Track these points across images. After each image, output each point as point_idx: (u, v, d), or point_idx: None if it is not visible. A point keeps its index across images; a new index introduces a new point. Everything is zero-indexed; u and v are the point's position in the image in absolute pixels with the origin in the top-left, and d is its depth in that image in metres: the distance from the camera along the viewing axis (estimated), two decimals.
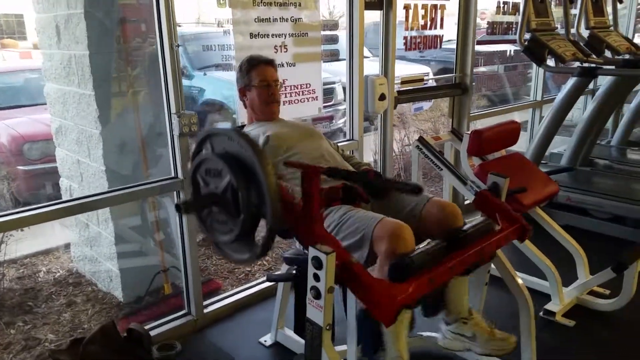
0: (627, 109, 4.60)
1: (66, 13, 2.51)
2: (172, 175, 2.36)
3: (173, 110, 2.24)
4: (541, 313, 2.52)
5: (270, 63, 2.16)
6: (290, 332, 2.31)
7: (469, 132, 2.69)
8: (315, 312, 1.39)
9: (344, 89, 5.64)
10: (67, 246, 3.28)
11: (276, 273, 2.03)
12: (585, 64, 3.39)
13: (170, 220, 2.85)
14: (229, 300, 2.64)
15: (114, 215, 2.64)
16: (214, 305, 2.60)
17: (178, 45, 2.17)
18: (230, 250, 1.50)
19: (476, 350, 1.97)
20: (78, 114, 2.63)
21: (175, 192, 2.38)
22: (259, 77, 2.12)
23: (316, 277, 1.36)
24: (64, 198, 2.96)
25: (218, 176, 1.43)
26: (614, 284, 2.51)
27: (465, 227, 1.69)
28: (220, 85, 5.17)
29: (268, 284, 2.76)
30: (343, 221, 1.74)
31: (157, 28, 2.16)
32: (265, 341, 2.35)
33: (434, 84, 4.02)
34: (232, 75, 2.33)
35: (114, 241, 2.67)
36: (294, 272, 1.80)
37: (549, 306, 2.53)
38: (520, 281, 1.97)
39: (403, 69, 3.09)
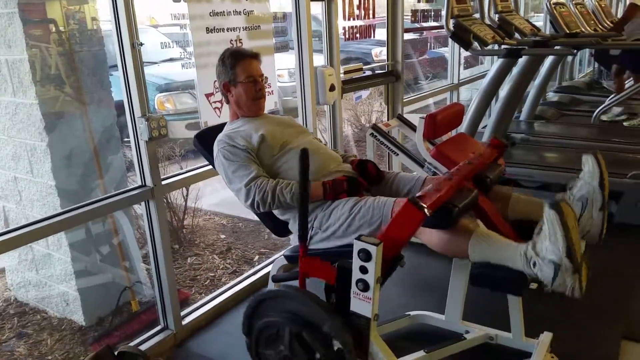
0: (532, 86, 5.03)
1: None
2: (140, 183, 2.21)
3: (138, 113, 2.09)
4: None
5: (255, 57, 2.08)
6: None
7: (424, 117, 2.78)
8: (362, 305, 1.38)
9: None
10: (0, 272, 2.94)
11: (284, 274, 1.97)
12: (506, 46, 3.66)
13: (125, 232, 2.67)
14: (205, 308, 2.52)
15: (68, 233, 2.41)
16: (191, 315, 2.48)
17: (141, 44, 2.03)
18: None
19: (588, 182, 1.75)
20: (14, 126, 2.36)
21: (144, 202, 2.22)
22: (245, 73, 2.03)
23: (363, 270, 1.35)
24: None
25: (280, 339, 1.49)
26: None
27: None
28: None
29: (241, 286, 2.68)
30: (354, 212, 1.74)
31: (115, 26, 2.01)
32: None
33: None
34: None
35: (69, 261, 2.44)
36: None
37: None
38: None
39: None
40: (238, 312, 2.57)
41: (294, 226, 1.93)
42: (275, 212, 1.97)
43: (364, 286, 1.36)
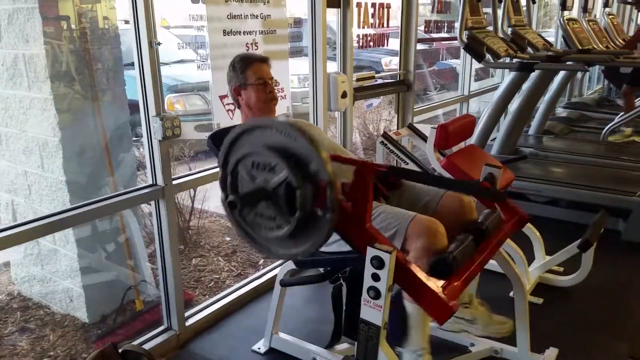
0: (542, 101, 5.02)
1: (10, 7, 2.24)
2: (151, 182, 2.21)
3: (153, 112, 2.09)
4: (511, 293, 2.69)
5: (265, 61, 2.10)
6: (286, 337, 2.26)
7: (435, 127, 2.78)
8: (372, 313, 1.38)
9: None
10: (5, 265, 2.93)
11: (292, 278, 1.97)
12: (519, 60, 3.67)
13: (132, 231, 2.67)
14: (209, 310, 2.51)
15: (75, 229, 2.41)
16: (195, 317, 2.46)
17: (159, 43, 2.03)
18: (274, 245, 1.42)
19: (474, 332, 2.11)
20: (27, 120, 2.37)
21: (154, 202, 2.22)
22: (255, 75, 2.05)
23: (375, 277, 1.34)
24: (2, 215, 2.68)
25: (269, 171, 1.34)
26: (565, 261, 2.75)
27: (481, 220, 1.77)
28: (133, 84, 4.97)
29: (245, 290, 2.68)
30: (373, 216, 1.72)
31: (134, 24, 2.01)
32: (259, 348, 2.27)
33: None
34: None
35: (76, 257, 2.44)
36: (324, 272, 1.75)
37: None
38: (517, 269, 2.09)
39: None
40: (243, 315, 2.56)
41: None
42: None
43: (375, 294, 1.35)
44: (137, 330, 2.41)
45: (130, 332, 2.43)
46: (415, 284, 1.39)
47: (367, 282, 1.36)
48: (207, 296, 2.82)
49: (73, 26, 2.34)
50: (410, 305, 1.65)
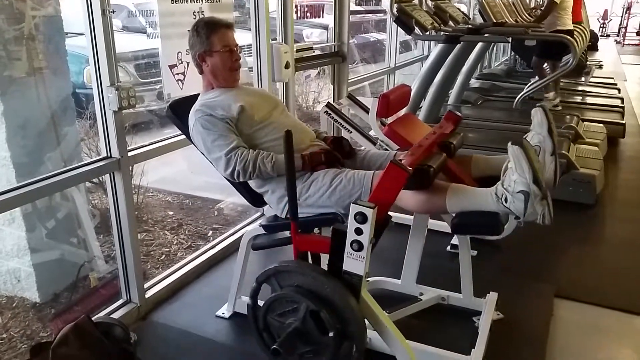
0: (460, 73, 5.33)
1: None
2: (106, 154, 2.16)
3: (107, 82, 2.04)
4: (448, 248, 2.94)
5: (230, 27, 2.09)
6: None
7: (378, 96, 2.92)
8: (355, 264, 1.49)
9: None
10: None
11: (264, 241, 2.03)
12: (444, 32, 3.89)
13: (78, 206, 2.60)
14: (167, 281, 2.52)
15: (23, 207, 2.31)
16: (153, 289, 2.47)
17: (112, 11, 1.98)
18: None
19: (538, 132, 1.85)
20: None
21: (109, 174, 2.18)
22: (222, 42, 2.03)
23: (358, 231, 1.45)
24: None
25: (294, 312, 1.51)
26: None
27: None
28: None
29: (200, 260, 2.71)
30: (335, 184, 1.83)
31: None
32: (223, 313, 2.33)
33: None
34: None
35: (24, 236, 2.35)
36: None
37: (454, 241, 2.94)
38: None
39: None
40: (200, 284, 2.60)
41: (270, 198, 1.98)
42: (252, 184, 2.01)
43: (359, 246, 1.46)
44: (94, 305, 2.37)
45: (87, 307, 2.39)
46: (381, 192, 1.56)
47: (351, 236, 1.47)
48: (159, 269, 2.81)
49: None
50: (449, 201, 1.66)
